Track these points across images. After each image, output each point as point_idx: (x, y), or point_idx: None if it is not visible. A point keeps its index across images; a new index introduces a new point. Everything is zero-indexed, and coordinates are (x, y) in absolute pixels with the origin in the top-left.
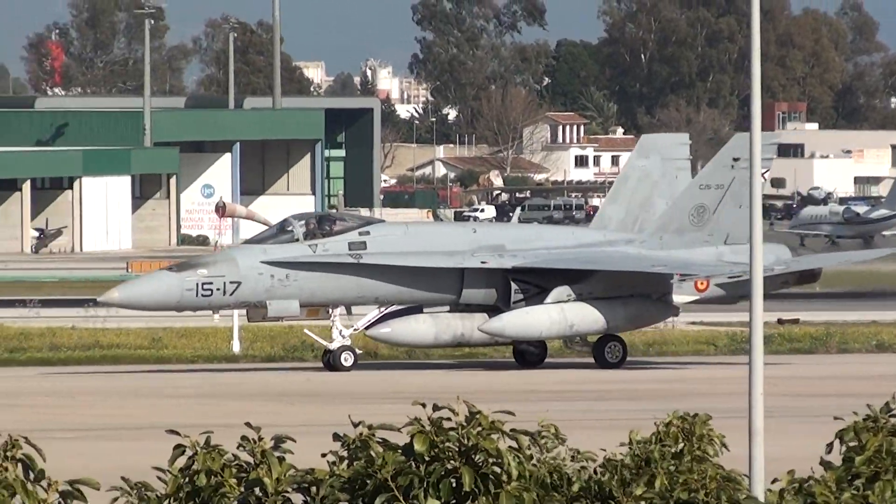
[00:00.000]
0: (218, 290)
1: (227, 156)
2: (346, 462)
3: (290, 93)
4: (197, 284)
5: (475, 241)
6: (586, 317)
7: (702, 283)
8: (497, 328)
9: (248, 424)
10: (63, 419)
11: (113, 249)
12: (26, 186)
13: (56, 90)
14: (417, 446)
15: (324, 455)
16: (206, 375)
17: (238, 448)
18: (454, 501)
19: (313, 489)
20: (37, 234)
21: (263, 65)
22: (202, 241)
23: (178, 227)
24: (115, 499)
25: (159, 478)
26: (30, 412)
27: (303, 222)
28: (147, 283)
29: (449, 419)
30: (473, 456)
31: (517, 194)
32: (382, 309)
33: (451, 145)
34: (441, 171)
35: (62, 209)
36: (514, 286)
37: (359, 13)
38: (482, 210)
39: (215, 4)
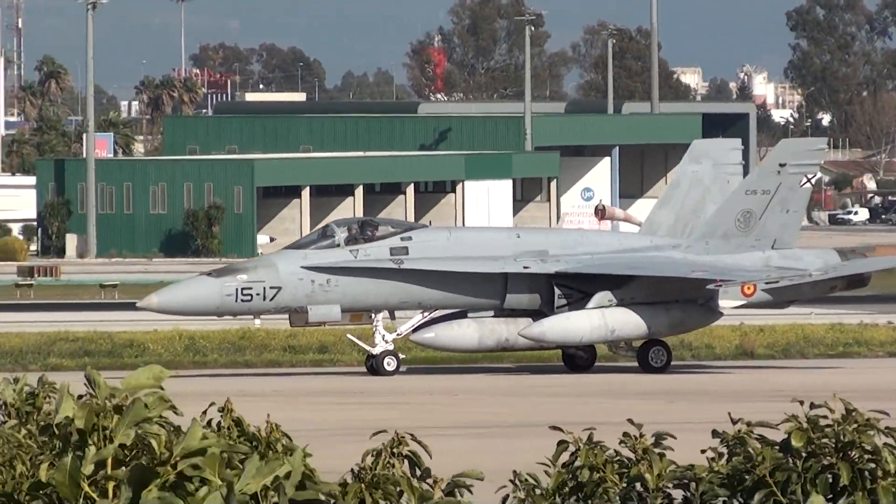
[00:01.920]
0: (258, 295)
1: (607, 159)
2: (724, 458)
3: (667, 98)
4: (236, 290)
5: (518, 246)
6: (627, 322)
7: (748, 288)
8: (538, 333)
9: (630, 421)
10: (445, 417)
11: None
12: (410, 189)
13: (438, 96)
14: (795, 442)
15: (703, 451)
16: (580, 375)
17: (619, 444)
18: (829, 496)
19: (693, 485)
20: None
21: (641, 70)
22: None
23: None
24: (503, 486)
25: (546, 472)
26: (414, 410)
27: (344, 228)
28: (186, 289)
29: (825, 416)
30: (850, 452)
31: (889, 197)
32: (426, 314)
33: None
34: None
35: (445, 212)
36: (557, 291)
37: (735, 20)
38: (855, 213)
39: (593, 12)
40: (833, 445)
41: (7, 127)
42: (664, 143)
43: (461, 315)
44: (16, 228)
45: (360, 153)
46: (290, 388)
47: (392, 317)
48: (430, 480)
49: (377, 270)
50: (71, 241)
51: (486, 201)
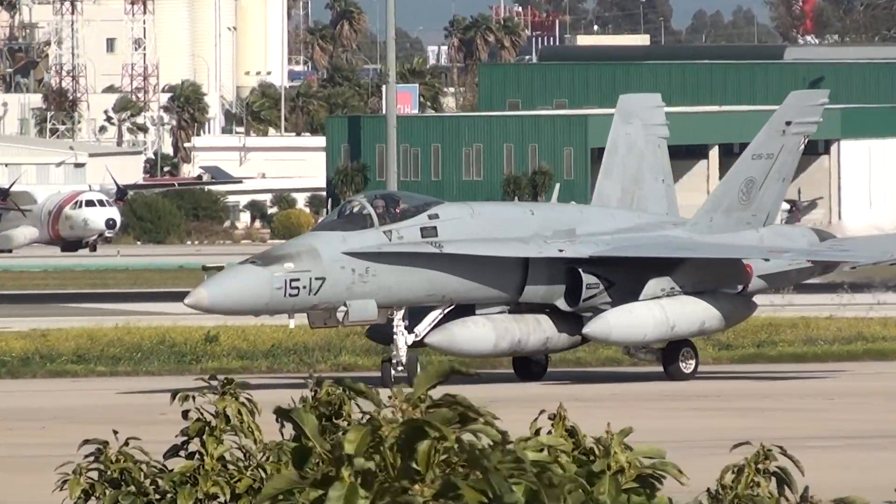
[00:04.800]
0: (304, 288)
1: None
2: None
3: None
4: (286, 282)
5: (539, 225)
6: (687, 316)
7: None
8: (603, 331)
9: None
10: (815, 425)
11: (878, 223)
12: None
13: (808, 38)
14: None
15: None
16: None
17: None
18: None
19: None
20: (787, 206)
21: None
22: None
23: None
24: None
25: None
26: (779, 417)
27: (371, 204)
28: (236, 281)
29: None
30: None
31: None
32: (437, 313)
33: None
34: None
35: (816, 178)
36: (586, 280)
37: None
38: None
39: None
40: None
41: (291, 78)
42: None
43: (469, 312)
44: (301, 199)
45: (715, 108)
46: (628, 392)
47: (405, 315)
48: None
49: (413, 256)
50: None
51: (866, 164)
